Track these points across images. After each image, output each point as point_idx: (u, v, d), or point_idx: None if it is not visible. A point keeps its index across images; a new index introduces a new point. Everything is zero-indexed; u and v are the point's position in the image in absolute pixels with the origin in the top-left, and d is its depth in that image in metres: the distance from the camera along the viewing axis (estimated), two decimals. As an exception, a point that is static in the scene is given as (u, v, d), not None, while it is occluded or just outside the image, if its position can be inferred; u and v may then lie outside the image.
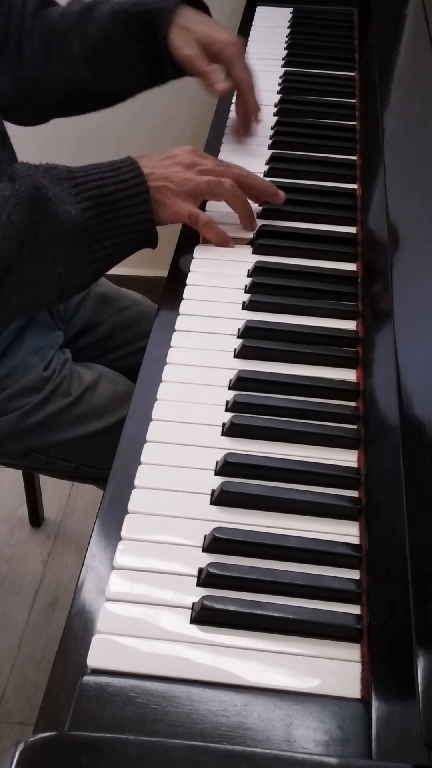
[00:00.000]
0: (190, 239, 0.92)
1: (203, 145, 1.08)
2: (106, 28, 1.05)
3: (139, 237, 0.85)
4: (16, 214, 0.78)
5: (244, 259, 0.89)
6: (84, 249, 0.82)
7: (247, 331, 0.79)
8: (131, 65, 1.07)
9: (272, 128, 1.08)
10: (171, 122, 1.77)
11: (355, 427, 0.70)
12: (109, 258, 0.84)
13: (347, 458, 0.68)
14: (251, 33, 1.32)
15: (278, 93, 1.17)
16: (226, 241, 0.90)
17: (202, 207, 0.94)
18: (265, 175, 0.99)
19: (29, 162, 0.83)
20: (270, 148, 1.05)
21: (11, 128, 1.06)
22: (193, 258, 0.89)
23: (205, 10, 1.08)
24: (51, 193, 0.79)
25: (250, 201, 0.92)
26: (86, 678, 0.52)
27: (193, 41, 1.02)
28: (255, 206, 0.94)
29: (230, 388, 0.74)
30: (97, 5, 1.07)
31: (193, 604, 0.57)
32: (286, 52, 1.27)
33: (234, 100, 1.09)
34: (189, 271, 0.87)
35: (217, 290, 0.85)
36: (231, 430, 0.70)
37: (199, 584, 0.58)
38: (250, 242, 0.91)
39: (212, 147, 1.07)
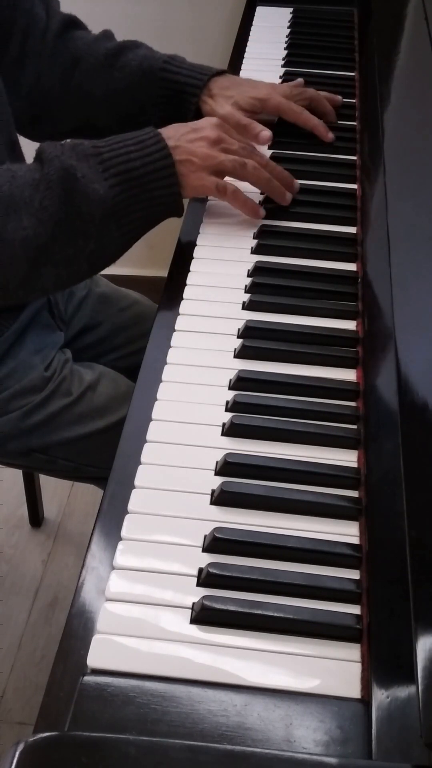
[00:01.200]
0: (190, 239, 0.92)
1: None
2: (131, 81, 1.05)
3: (165, 209, 0.87)
4: (48, 198, 0.80)
5: (244, 259, 0.89)
6: (113, 224, 0.83)
7: (247, 331, 0.79)
8: (147, 117, 1.07)
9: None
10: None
11: (355, 427, 0.70)
12: (136, 231, 0.86)
13: (347, 458, 0.68)
14: (251, 33, 1.32)
15: (278, 93, 1.16)
16: (255, 210, 0.92)
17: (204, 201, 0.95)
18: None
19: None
20: (270, 148, 1.05)
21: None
22: (193, 258, 0.89)
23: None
24: (80, 174, 0.81)
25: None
26: (86, 678, 0.52)
27: (229, 105, 1.03)
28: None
29: (230, 388, 0.74)
30: (124, 51, 1.06)
31: (193, 604, 0.57)
32: (286, 52, 1.26)
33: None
34: (189, 271, 0.87)
35: (217, 290, 0.85)
36: (231, 430, 0.70)
37: (199, 584, 0.58)
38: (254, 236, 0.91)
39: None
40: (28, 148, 1.04)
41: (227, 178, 0.91)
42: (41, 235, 0.81)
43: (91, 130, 1.12)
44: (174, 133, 0.88)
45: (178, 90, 1.04)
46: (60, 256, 0.83)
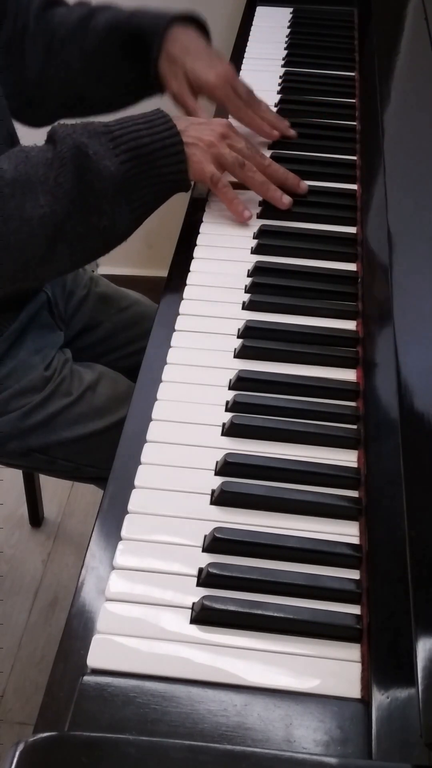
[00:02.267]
0: (190, 239, 0.92)
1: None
2: (101, 41, 1.06)
3: (172, 185, 0.88)
4: (63, 175, 0.82)
5: (244, 259, 0.89)
6: (123, 200, 0.85)
7: (247, 331, 0.79)
8: (123, 79, 1.09)
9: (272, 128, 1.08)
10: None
11: (355, 427, 0.70)
12: (146, 206, 0.87)
13: (347, 458, 0.68)
14: (251, 33, 1.32)
15: (278, 93, 1.16)
16: (239, 211, 0.92)
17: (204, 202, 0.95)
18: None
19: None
20: (270, 148, 1.05)
21: (20, 129, 1.06)
22: (193, 258, 0.89)
23: (199, 24, 1.08)
24: (91, 151, 0.82)
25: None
26: (86, 678, 0.52)
27: (181, 75, 1.03)
28: (255, 205, 0.94)
29: (230, 388, 0.74)
30: (95, 14, 1.07)
31: (193, 604, 0.57)
32: (286, 52, 1.26)
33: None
34: (189, 271, 0.87)
35: (217, 290, 0.85)
36: (231, 430, 0.70)
37: (199, 584, 0.58)
38: (256, 235, 0.91)
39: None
40: (26, 141, 1.04)
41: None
42: (57, 212, 0.82)
43: (81, 103, 1.13)
44: (184, 121, 0.90)
45: (142, 41, 1.04)
46: (75, 234, 0.84)
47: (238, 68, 1.22)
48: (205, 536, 0.61)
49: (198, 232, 0.92)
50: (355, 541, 0.62)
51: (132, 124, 0.86)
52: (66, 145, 0.82)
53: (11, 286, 0.91)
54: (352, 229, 0.92)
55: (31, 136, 1.14)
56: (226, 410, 0.72)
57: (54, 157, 0.82)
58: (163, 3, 1.64)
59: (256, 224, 0.93)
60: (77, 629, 0.57)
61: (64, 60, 1.08)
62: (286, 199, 0.94)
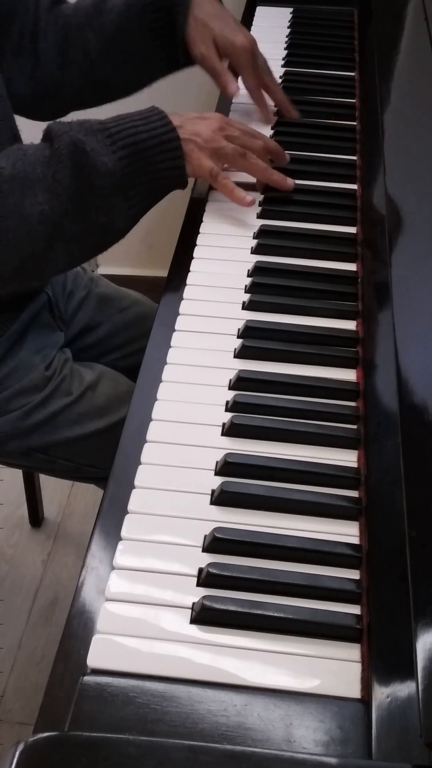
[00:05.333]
0: (190, 239, 0.92)
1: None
2: (121, 20, 1.06)
3: (170, 181, 0.88)
4: (61, 171, 0.82)
5: (244, 259, 0.89)
6: (120, 196, 0.85)
7: (247, 331, 0.79)
8: (147, 54, 1.09)
9: (272, 128, 1.08)
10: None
11: (355, 427, 0.70)
12: (143, 203, 0.87)
13: (347, 458, 0.68)
14: (251, 33, 1.32)
15: (278, 93, 1.16)
16: (242, 197, 0.93)
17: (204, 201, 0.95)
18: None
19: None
20: (270, 148, 1.05)
21: (23, 127, 1.06)
22: (193, 258, 0.89)
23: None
24: (88, 147, 0.82)
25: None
26: (86, 678, 0.52)
27: (209, 38, 1.04)
28: (255, 206, 0.95)
29: (230, 388, 0.74)
30: None
31: (193, 604, 0.57)
32: (286, 52, 1.26)
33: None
34: (189, 271, 0.87)
35: (217, 290, 0.85)
36: (231, 430, 0.70)
37: (199, 584, 0.59)
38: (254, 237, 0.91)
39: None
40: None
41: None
42: (56, 210, 0.82)
43: (99, 90, 1.13)
44: (179, 117, 0.89)
45: (167, 11, 1.04)
46: (73, 231, 0.84)
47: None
48: (205, 536, 0.61)
49: (198, 232, 0.92)
50: (355, 541, 0.62)
51: (129, 120, 0.86)
52: (63, 142, 0.82)
53: (10, 284, 0.91)
54: (352, 229, 0.92)
55: (35, 138, 1.14)
56: (226, 410, 0.72)
57: (51, 154, 0.82)
58: None
59: (256, 224, 0.93)
60: (77, 629, 0.57)
61: (82, 48, 1.08)
62: (290, 181, 0.95)
